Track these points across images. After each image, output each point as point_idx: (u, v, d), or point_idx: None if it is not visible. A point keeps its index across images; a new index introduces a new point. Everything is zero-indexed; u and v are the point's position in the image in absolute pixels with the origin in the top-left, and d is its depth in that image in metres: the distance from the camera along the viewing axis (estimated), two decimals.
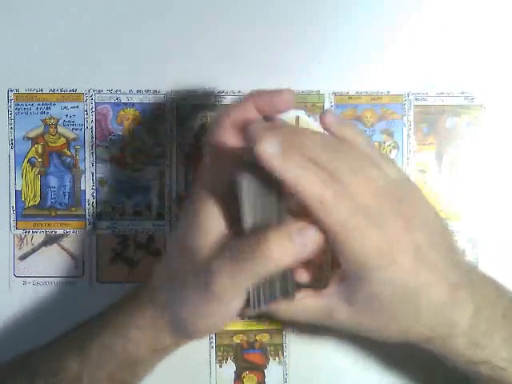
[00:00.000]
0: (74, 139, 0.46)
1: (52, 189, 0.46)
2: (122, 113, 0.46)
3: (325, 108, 0.45)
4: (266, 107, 0.35)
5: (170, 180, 0.45)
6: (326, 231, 0.33)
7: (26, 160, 0.46)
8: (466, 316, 0.35)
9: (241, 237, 0.34)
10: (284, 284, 0.36)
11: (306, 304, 0.37)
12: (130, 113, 0.45)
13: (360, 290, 0.34)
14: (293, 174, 0.32)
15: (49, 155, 0.46)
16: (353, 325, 0.36)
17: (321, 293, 0.37)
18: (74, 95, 0.45)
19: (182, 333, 0.37)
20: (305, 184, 0.32)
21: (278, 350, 0.45)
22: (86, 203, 0.46)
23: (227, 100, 0.45)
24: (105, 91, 0.45)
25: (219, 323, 0.37)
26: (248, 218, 0.34)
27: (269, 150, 0.31)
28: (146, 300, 0.38)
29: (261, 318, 0.45)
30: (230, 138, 0.35)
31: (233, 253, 0.33)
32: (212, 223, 0.35)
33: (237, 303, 0.35)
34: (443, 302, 0.34)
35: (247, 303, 0.36)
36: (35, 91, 0.45)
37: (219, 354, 0.45)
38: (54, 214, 0.46)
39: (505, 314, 0.36)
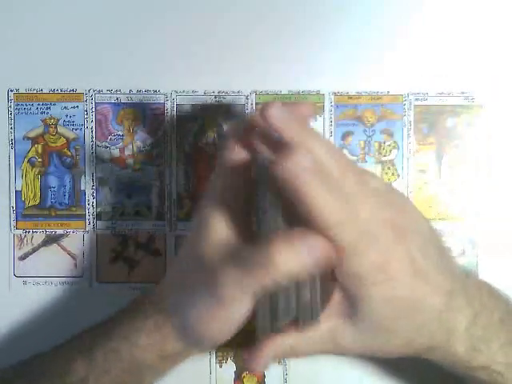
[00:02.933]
0: (73, 139, 0.46)
1: (52, 189, 0.46)
2: (121, 113, 0.46)
3: (324, 108, 0.45)
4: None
5: (170, 180, 0.45)
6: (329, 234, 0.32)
7: (26, 160, 0.46)
8: (464, 322, 0.35)
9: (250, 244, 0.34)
10: (304, 303, 0.34)
11: (307, 334, 0.35)
12: (130, 113, 0.46)
13: (360, 307, 0.34)
14: (313, 196, 0.31)
15: (49, 155, 0.46)
16: (356, 347, 0.36)
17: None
18: (73, 95, 0.45)
19: (188, 340, 0.37)
20: (322, 206, 0.31)
21: None
22: (86, 203, 0.46)
23: (227, 100, 0.45)
24: (105, 91, 0.45)
25: (225, 330, 0.36)
26: (262, 225, 0.34)
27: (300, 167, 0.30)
28: (153, 305, 0.37)
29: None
30: (238, 155, 0.35)
31: (240, 259, 0.33)
32: (220, 232, 0.35)
33: (242, 310, 0.34)
34: (440, 310, 0.34)
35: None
36: (35, 91, 0.45)
37: (219, 354, 0.45)
38: (53, 213, 0.46)
39: (502, 318, 0.36)
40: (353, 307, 0.34)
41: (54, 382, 0.37)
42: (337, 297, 0.35)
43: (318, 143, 0.32)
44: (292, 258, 0.31)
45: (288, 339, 0.35)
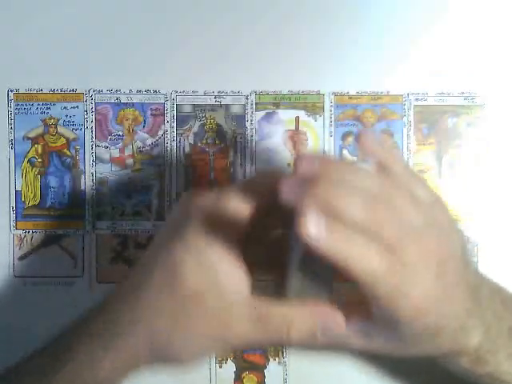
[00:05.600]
0: (73, 139, 0.46)
1: (52, 189, 0.46)
2: (121, 113, 0.46)
3: (324, 108, 0.45)
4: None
5: (170, 180, 0.45)
6: (369, 291, 0.31)
7: (26, 160, 0.46)
8: (476, 338, 0.34)
9: (270, 303, 0.34)
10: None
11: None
12: (130, 113, 0.46)
13: (383, 330, 0.33)
14: (343, 253, 0.29)
15: (49, 155, 0.46)
16: (364, 350, 0.36)
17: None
18: (74, 95, 0.45)
19: (167, 364, 0.36)
20: (357, 261, 0.29)
21: (278, 350, 0.45)
22: (86, 203, 0.46)
23: (227, 100, 0.45)
24: (105, 91, 0.45)
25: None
26: (293, 287, 0.34)
27: (313, 232, 0.28)
28: (125, 325, 0.35)
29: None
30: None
31: (257, 319, 0.34)
32: (233, 282, 0.34)
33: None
34: (458, 329, 0.34)
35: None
36: (35, 91, 0.45)
37: None
38: (53, 213, 0.46)
39: (511, 327, 0.35)
40: (375, 328, 0.34)
41: None
42: (359, 318, 0.34)
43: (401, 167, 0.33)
44: (305, 328, 0.34)
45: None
